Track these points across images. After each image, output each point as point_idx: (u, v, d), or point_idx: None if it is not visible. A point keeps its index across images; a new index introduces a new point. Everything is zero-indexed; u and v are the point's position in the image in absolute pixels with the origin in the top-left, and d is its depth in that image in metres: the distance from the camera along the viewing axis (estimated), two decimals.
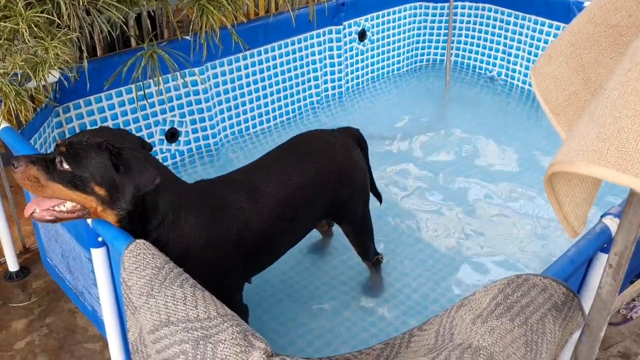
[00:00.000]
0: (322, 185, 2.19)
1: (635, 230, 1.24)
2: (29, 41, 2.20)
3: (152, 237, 1.77)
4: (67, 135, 2.92)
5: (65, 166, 1.68)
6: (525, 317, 1.40)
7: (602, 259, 1.77)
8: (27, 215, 1.77)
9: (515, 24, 4.31)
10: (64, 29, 2.36)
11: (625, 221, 1.23)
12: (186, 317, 1.40)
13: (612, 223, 1.76)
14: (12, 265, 2.80)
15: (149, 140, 3.25)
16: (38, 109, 2.64)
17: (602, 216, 1.83)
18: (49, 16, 2.25)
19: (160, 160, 3.32)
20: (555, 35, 4.12)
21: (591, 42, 1.24)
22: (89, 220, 1.81)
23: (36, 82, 2.30)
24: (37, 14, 2.19)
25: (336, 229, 2.86)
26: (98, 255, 1.85)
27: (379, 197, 2.63)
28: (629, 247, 1.26)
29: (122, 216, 1.74)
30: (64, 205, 1.74)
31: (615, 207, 1.86)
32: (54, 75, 2.46)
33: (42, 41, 2.23)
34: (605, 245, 1.77)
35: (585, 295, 1.85)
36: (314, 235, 2.91)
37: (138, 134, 3.20)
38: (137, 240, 1.64)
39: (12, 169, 1.70)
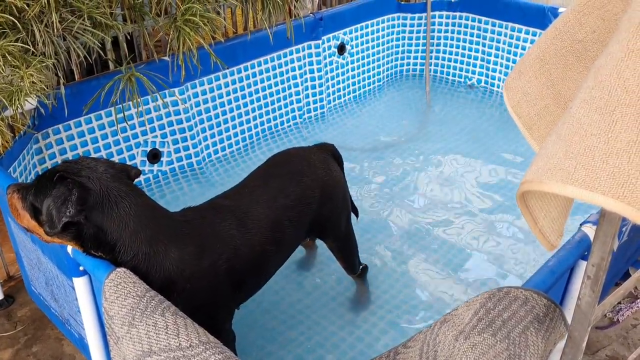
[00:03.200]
0: (307, 204, 2.18)
1: (610, 241, 1.24)
2: (3, 70, 2.19)
3: (129, 266, 1.72)
4: (47, 162, 2.91)
5: (32, 200, 1.71)
6: (507, 331, 1.41)
7: (583, 266, 1.78)
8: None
9: (492, 32, 4.35)
10: (39, 56, 2.35)
11: (600, 233, 1.23)
12: (168, 346, 1.39)
13: (591, 231, 1.77)
14: None
15: (130, 162, 3.25)
16: (17, 137, 2.62)
17: (581, 224, 1.84)
18: (23, 44, 2.24)
19: (143, 182, 3.33)
20: (531, 42, 4.16)
21: (559, 57, 1.26)
22: (69, 249, 1.80)
23: (13, 110, 2.29)
24: (11, 43, 2.18)
25: (320, 244, 2.86)
26: (80, 284, 1.84)
27: (355, 211, 2.63)
28: (605, 258, 1.26)
29: (78, 244, 1.72)
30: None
31: (594, 215, 1.87)
32: (30, 103, 2.45)
33: (18, 70, 2.22)
34: (586, 253, 1.78)
35: (569, 304, 1.86)
36: (298, 250, 2.90)
37: (119, 156, 3.20)
38: (118, 269, 1.63)
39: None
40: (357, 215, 2.65)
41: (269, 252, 2.05)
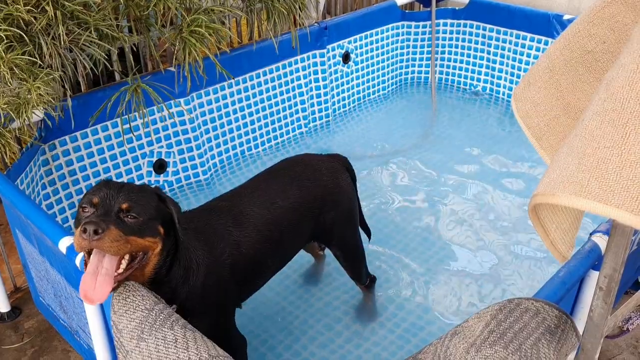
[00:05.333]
0: (308, 209, 2.21)
1: (622, 253, 1.24)
2: (11, 83, 2.20)
3: (172, 283, 1.80)
4: (54, 173, 2.92)
5: (137, 217, 1.64)
6: (518, 343, 1.40)
7: (594, 276, 1.77)
8: (103, 298, 1.56)
9: (497, 39, 4.35)
10: (46, 68, 2.36)
11: (612, 244, 1.23)
12: None
13: (601, 241, 1.76)
14: (3, 306, 2.77)
15: (136, 173, 3.25)
16: (23, 149, 2.63)
17: (591, 234, 1.83)
18: (30, 57, 2.25)
19: None
20: (537, 49, 4.16)
21: (568, 68, 1.26)
22: (77, 262, 1.80)
23: (20, 122, 2.30)
24: (19, 56, 2.19)
25: (329, 255, 2.85)
26: None
27: (367, 232, 2.63)
28: (617, 269, 1.26)
29: (166, 257, 1.76)
30: (121, 267, 1.63)
31: (604, 224, 1.86)
32: (37, 115, 2.45)
33: (25, 82, 2.22)
34: (597, 263, 1.77)
35: (580, 313, 1.85)
36: (306, 261, 2.90)
37: (125, 167, 3.20)
38: (126, 282, 1.63)
39: (89, 237, 1.52)
40: (369, 237, 2.64)
41: (267, 250, 2.09)
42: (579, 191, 0.92)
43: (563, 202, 0.94)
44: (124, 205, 1.63)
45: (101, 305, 1.87)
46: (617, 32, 1.15)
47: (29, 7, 2.22)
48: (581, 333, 1.54)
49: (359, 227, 2.50)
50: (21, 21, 2.24)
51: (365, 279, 2.59)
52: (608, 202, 0.89)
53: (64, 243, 1.86)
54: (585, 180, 0.91)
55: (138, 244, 1.64)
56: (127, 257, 1.64)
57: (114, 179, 3.16)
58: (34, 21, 2.26)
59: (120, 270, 1.62)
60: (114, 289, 1.62)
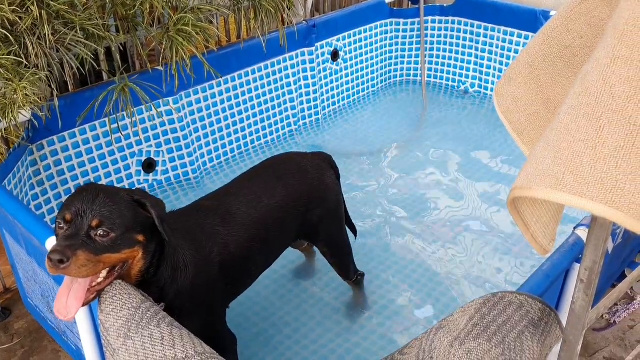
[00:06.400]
0: (294, 207, 2.22)
1: (602, 245, 1.25)
2: None
3: (160, 283, 1.79)
4: (42, 174, 2.91)
5: (109, 234, 1.60)
6: (502, 336, 1.41)
7: (578, 269, 1.79)
8: (71, 317, 1.57)
9: (485, 36, 4.36)
10: (32, 68, 2.35)
11: (592, 237, 1.24)
12: (164, 358, 1.39)
13: (584, 234, 1.78)
14: None
15: (125, 172, 3.25)
16: (11, 149, 2.62)
17: (575, 227, 1.85)
18: (16, 57, 2.24)
19: None
20: (524, 45, 4.18)
21: (547, 63, 1.27)
22: None
23: (6, 123, 2.29)
24: (4, 56, 2.19)
25: (318, 251, 2.86)
26: None
27: (353, 230, 2.65)
28: (597, 261, 1.27)
29: (152, 259, 1.74)
30: (100, 277, 1.62)
31: (587, 218, 1.88)
32: (24, 115, 2.45)
33: (11, 83, 2.22)
34: (580, 256, 1.78)
35: (565, 307, 1.87)
36: (296, 258, 2.91)
37: (114, 166, 3.20)
38: (114, 281, 1.64)
39: (55, 265, 1.50)
40: (355, 235, 2.66)
41: (254, 248, 2.09)
42: (554, 184, 0.93)
43: (539, 196, 0.95)
44: (94, 223, 1.59)
45: (89, 306, 1.87)
46: (594, 27, 1.17)
47: (13, 7, 2.21)
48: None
49: (345, 225, 2.51)
50: (6, 21, 2.24)
51: (353, 275, 2.61)
52: (583, 195, 0.90)
53: (51, 243, 1.86)
54: (561, 173, 0.93)
55: (113, 259, 1.61)
56: (103, 272, 1.62)
57: (103, 179, 3.16)
58: (19, 21, 2.25)
59: (100, 280, 1.61)
60: (94, 299, 1.61)
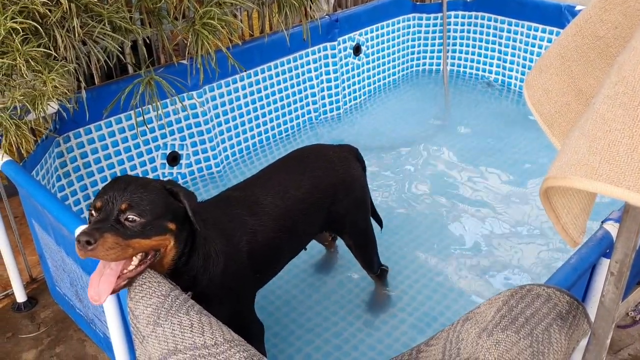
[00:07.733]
0: (320, 198, 2.23)
1: (634, 238, 1.24)
2: (26, 75, 2.23)
3: (192, 272, 1.81)
4: (69, 165, 2.95)
5: (138, 219, 1.61)
6: (530, 328, 1.41)
7: (605, 264, 1.78)
8: (102, 301, 1.59)
9: (508, 31, 4.33)
10: (61, 60, 2.38)
11: (624, 229, 1.23)
12: (193, 345, 1.41)
13: (612, 228, 1.76)
14: (20, 296, 2.81)
15: (150, 165, 3.28)
16: (39, 141, 2.66)
17: (602, 222, 1.84)
18: (45, 50, 2.27)
19: None
20: (549, 40, 4.14)
21: (580, 54, 1.26)
22: None
23: (35, 114, 2.33)
24: (34, 48, 2.22)
25: (340, 245, 2.87)
26: None
27: (379, 221, 2.65)
28: (629, 254, 1.26)
29: (184, 248, 1.75)
30: (132, 264, 1.63)
31: (615, 212, 1.86)
32: (52, 107, 2.48)
33: (40, 74, 2.25)
34: (608, 251, 1.77)
35: (591, 302, 1.86)
36: (318, 252, 2.91)
37: (139, 159, 3.23)
38: None
39: (84, 247, 1.52)
40: (380, 226, 2.66)
41: (281, 239, 2.11)
42: (590, 174, 0.93)
43: (574, 185, 0.95)
44: (123, 206, 1.60)
45: (117, 294, 1.90)
46: (630, 18, 1.16)
47: (44, 0, 2.24)
48: (592, 320, 1.55)
49: (370, 217, 2.51)
50: (36, 14, 2.27)
51: (376, 269, 2.61)
52: (619, 184, 0.90)
53: (80, 232, 1.89)
54: (597, 162, 0.92)
55: (143, 245, 1.62)
56: (139, 254, 1.64)
57: (128, 171, 3.20)
58: (49, 14, 2.29)
59: (131, 268, 1.63)
60: (126, 286, 1.63)
